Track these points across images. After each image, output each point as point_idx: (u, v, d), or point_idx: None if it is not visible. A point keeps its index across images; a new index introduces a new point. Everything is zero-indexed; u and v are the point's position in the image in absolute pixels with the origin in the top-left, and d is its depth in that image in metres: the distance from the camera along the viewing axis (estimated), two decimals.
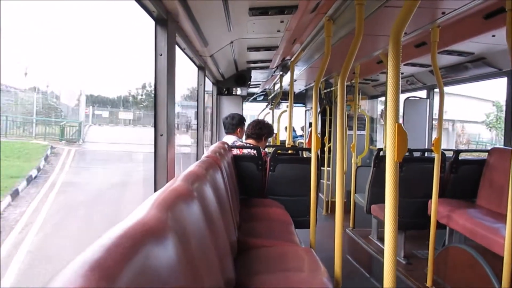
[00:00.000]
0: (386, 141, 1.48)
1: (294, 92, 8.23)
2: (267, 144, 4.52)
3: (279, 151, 4.33)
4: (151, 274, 0.83)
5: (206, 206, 1.62)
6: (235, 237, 2.49)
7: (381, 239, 4.57)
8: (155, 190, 2.14)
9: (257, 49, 4.13)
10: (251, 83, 7.11)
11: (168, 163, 2.21)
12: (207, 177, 1.90)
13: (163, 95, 2.20)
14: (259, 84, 7.94)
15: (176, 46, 2.60)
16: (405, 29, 1.48)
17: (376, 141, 8.02)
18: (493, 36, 3.09)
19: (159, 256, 0.90)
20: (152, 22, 2.21)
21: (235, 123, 4.42)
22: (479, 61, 3.93)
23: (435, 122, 5.30)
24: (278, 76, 6.09)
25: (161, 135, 2.20)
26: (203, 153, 4.08)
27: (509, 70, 3.76)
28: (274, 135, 6.17)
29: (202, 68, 4.18)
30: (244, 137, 4.51)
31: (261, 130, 4.29)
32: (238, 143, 4.25)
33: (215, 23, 2.96)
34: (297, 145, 10.19)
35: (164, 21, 2.21)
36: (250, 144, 4.20)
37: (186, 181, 1.54)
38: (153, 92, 2.31)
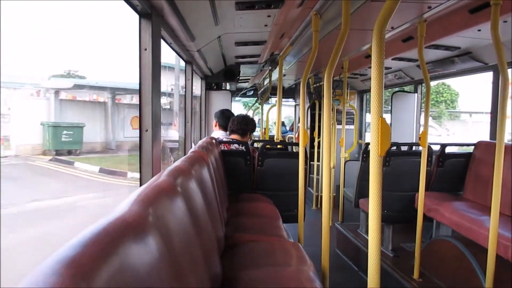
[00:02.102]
0: (370, 136, 1.48)
1: (284, 87, 8.24)
2: (257, 139, 4.51)
3: (267, 146, 4.33)
4: (130, 271, 0.82)
5: (191, 201, 1.61)
6: (222, 233, 2.49)
7: None
8: (140, 186, 2.13)
9: (245, 43, 4.11)
10: (240, 78, 7.08)
11: (153, 159, 2.19)
12: (193, 172, 1.89)
13: (148, 90, 2.18)
14: (249, 79, 7.92)
15: (162, 41, 2.57)
16: (390, 24, 1.48)
17: (364, 135, 8.06)
18: (479, 30, 3.12)
19: (139, 253, 0.89)
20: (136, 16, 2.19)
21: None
22: (466, 55, 3.97)
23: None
24: (267, 70, 6.07)
25: (146, 130, 2.18)
26: (190, 148, 4.06)
27: (495, 64, 3.79)
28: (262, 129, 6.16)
29: (189, 62, 4.16)
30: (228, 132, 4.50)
31: (247, 126, 4.27)
32: (226, 139, 4.24)
33: (202, 18, 2.94)
34: (286, 139, 10.21)
35: (149, 15, 2.19)
36: (235, 139, 4.19)
37: (170, 176, 1.52)
38: None
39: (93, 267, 0.70)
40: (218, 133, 4.32)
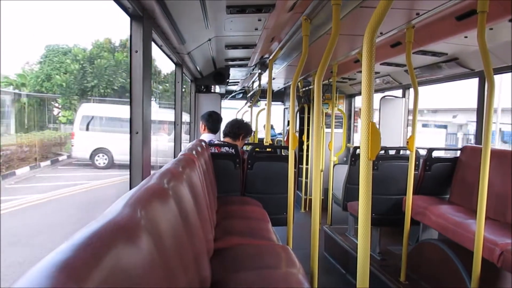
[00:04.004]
0: (360, 140, 1.50)
1: (273, 90, 8.26)
2: (246, 142, 4.52)
3: (257, 149, 4.34)
4: (122, 274, 0.82)
5: (181, 204, 1.61)
6: (212, 236, 2.49)
7: (357, 235, 4.63)
8: (130, 189, 2.11)
9: (235, 47, 4.12)
10: (230, 81, 7.09)
11: (143, 161, 2.18)
12: (183, 175, 1.89)
13: (138, 92, 2.18)
14: (238, 82, 7.93)
15: (153, 43, 2.57)
16: (380, 29, 1.50)
17: (353, 139, 8.12)
18: (465, 37, 3.17)
19: (130, 256, 0.89)
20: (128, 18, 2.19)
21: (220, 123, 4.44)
22: (452, 61, 4.03)
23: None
24: (257, 74, 6.09)
25: (137, 133, 2.18)
26: (180, 151, 4.05)
27: (481, 71, 3.86)
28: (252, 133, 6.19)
29: (179, 65, 4.15)
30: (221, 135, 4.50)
31: (239, 129, 4.29)
32: (215, 141, 4.23)
33: (192, 21, 2.94)
34: (275, 143, 10.23)
35: (140, 17, 2.19)
36: (226, 142, 4.19)
37: (161, 179, 1.52)
38: None
39: (85, 270, 0.71)
40: (207, 136, 4.29)
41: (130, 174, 2.20)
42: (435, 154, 4.07)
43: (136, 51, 2.17)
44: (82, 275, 0.68)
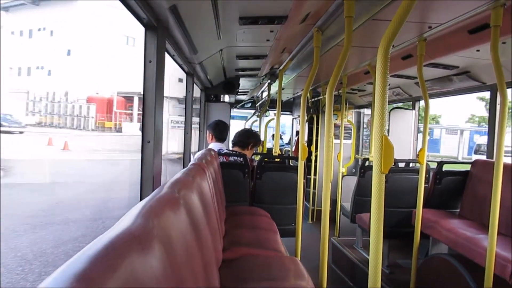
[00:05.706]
0: (373, 153, 1.49)
1: (282, 100, 8.27)
2: (254, 152, 4.51)
3: (266, 159, 4.34)
4: (136, 284, 0.83)
5: (192, 214, 1.61)
6: (221, 245, 2.49)
7: (365, 248, 4.60)
8: (141, 198, 2.13)
9: (246, 57, 4.14)
10: (239, 91, 7.12)
11: (154, 170, 2.19)
12: (194, 184, 1.89)
13: (151, 101, 2.20)
14: (247, 92, 7.96)
15: (166, 53, 2.60)
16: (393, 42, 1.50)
17: (362, 150, 8.08)
18: (478, 50, 3.16)
19: (144, 266, 0.90)
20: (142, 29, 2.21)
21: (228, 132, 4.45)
22: (464, 74, 4.01)
23: None
24: (266, 84, 6.12)
25: (148, 142, 2.19)
26: (189, 160, 4.06)
27: (493, 84, 3.84)
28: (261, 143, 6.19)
29: (190, 74, 4.18)
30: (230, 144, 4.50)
31: (248, 139, 4.29)
32: (224, 150, 4.23)
33: (205, 31, 2.97)
34: (283, 153, 10.21)
35: (154, 28, 2.21)
36: (235, 151, 4.19)
37: (172, 189, 1.53)
38: None
39: (102, 281, 0.71)
40: (215, 145, 4.27)
41: (141, 183, 2.21)
42: (445, 167, 4.04)
43: (150, 61, 2.19)
44: (99, 286, 0.69)
